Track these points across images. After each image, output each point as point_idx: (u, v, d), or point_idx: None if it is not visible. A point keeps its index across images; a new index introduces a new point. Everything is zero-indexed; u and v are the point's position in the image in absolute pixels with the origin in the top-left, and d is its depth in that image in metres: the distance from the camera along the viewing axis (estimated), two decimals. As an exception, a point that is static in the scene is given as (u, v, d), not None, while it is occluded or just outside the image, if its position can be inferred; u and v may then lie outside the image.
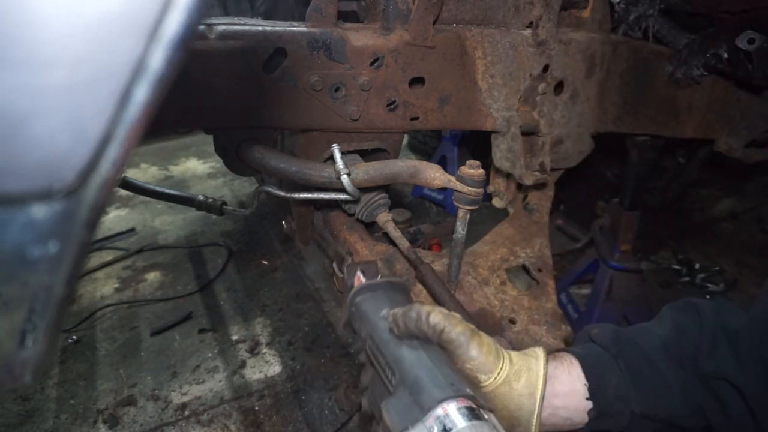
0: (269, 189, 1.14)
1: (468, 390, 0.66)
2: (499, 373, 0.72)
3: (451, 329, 0.70)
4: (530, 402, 0.72)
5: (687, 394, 0.79)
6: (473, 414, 0.63)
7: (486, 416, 0.64)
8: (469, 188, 0.98)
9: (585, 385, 0.78)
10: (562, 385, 0.77)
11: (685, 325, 0.82)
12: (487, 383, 0.72)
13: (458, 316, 0.74)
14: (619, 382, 0.79)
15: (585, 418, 0.78)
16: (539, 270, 1.39)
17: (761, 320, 0.74)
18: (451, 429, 0.62)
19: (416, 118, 1.22)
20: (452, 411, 0.63)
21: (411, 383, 0.68)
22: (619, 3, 1.46)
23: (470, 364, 0.71)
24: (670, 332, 0.82)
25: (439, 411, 0.64)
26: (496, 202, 1.61)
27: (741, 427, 0.75)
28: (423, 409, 0.64)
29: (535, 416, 0.72)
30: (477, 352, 0.71)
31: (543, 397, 0.73)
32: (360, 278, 0.90)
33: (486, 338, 0.73)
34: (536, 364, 0.75)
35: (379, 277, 0.91)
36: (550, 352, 0.82)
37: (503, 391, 0.72)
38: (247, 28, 1.00)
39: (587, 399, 0.77)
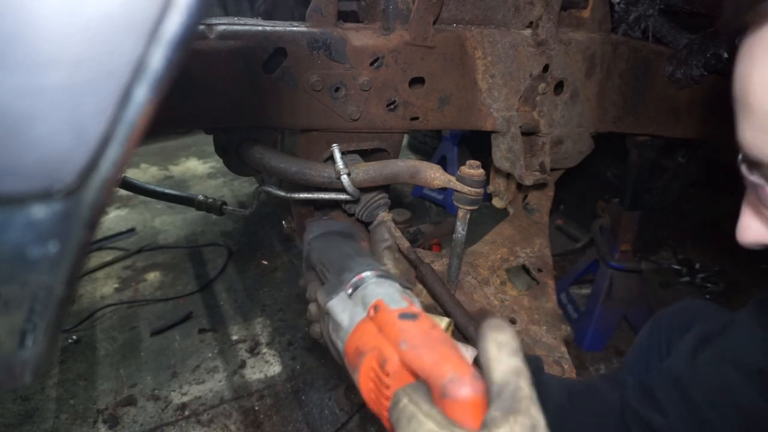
0: (269, 189, 1.14)
1: (383, 268, 0.80)
2: None
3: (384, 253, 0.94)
4: None
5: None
6: (383, 276, 0.78)
7: (396, 282, 0.77)
8: (469, 188, 0.98)
9: None
10: None
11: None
12: None
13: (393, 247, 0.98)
14: None
15: None
16: (539, 270, 1.39)
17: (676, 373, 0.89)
18: (360, 285, 0.77)
19: (416, 118, 1.22)
20: (366, 275, 0.78)
21: (338, 269, 0.83)
22: (619, 3, 1.46)
23: None
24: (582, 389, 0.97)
25: (355, 279, 0.78)
26: (496, 202, 1.61)
27: None
28: (344, 283, 0.79)
29: None
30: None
31: None
32: None
33: (400, 258, 0.95)
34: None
35: None
36: None
37: None
38: (247, 28, 1.00)
39: None
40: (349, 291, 0.77)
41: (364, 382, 0.64)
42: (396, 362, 0.60)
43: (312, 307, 0.95)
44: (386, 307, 0.68)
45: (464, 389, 0.52)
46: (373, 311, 0.69)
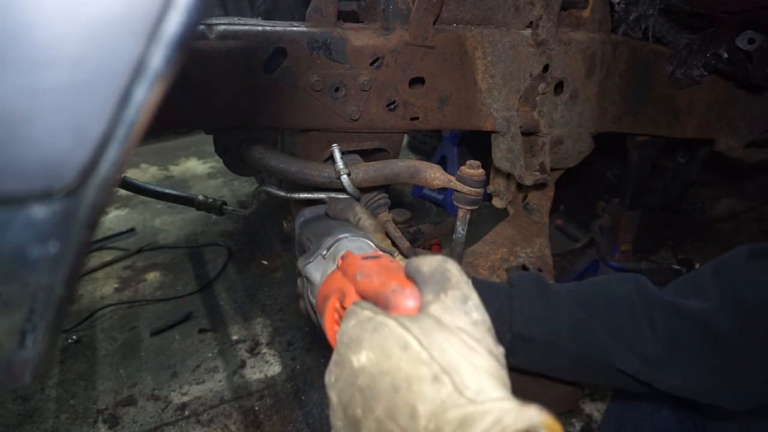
0: (269, 189, 1.14)
1: (363, 234, 0.82)
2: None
3: (366, 219, 0.92)
4: None
5: (579, 333, 0.83)
6: (359, 236, 0.79)
7: (375, 245, 0.79)
8: (469, 188, 0.98)
9: None
10: None
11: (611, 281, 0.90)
12: None
13: (375, 220, 0.96)
14: (503, 305, 0.86)
15: None
16: (539, 270, 1.39)
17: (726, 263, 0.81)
18: (334, 244, 0.78)
19: (416, 118, 1.22)
20: (342, 236, 0.79)
21: (320, 237, 0.85)
22: (619, 3, 1.46)
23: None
24: (587, 282, 0.91)
25: (332, 242, 0.79)
26: (496, 202, 1.61)
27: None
28: (321, 246, 0.80)
29: None
30: (378, 239, 0.89)
31: None
32: None
33: (387, 238, 0.93)
34: None
35: None
36: None
37: None
38: (247, 28, 1.00)
39: None
40: (324, 253, 0.79)
41: (329, 325, 0.65)
42: (353, 294, 0.62)
43: (299, 281, 0.97)
44: (352, 254, 0.71)
45: (406, 300, 0.54)
46: (341, 261, 0.71)
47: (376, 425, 0.45)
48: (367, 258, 0.68)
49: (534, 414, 0.40)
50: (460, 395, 0.42)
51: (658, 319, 0.80)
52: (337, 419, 0.50)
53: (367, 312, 0.53)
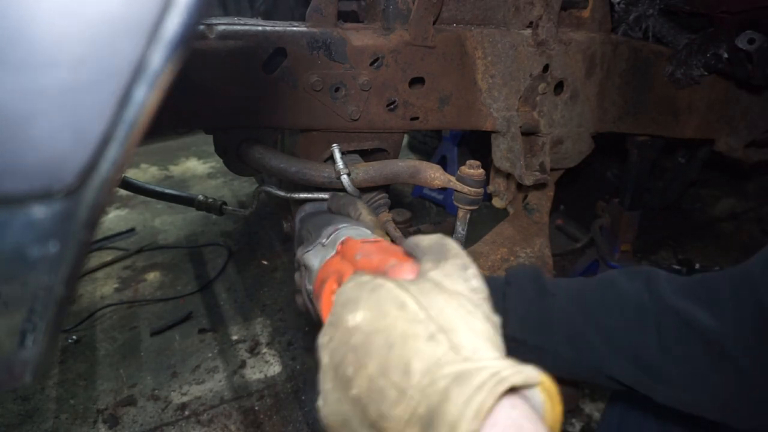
0: (269, 189, 1.14)
1: (365, 229, 0.81)
2: None
3: (366, 214, 0.92)
4: None
5: (574, 339, 0.81)
6: (360, 226, 0.79)
7: (377, 237, 0.78)
8: (469, 188, 0.98)
9: None
10: None
11: (616, 278, 0.86)
12: None
13: (376, 217, 0.94)
14: (497, 303, 0.86)
15: None
16: (539, 270, 1.39)
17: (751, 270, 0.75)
18: (334, 233, 0.77)
19: (416, 118, 1.22)
20: (342, 226, 0.78)
21: (321, 227, 0.84)
22: (619, 3, 1.46)
23: None
24: (594, 280, 0.88)
25: (332, 230, 0.78)
26: (496, 202, 1.61)
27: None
28: (321, 236, 0.79)
29: None
30: (378, 235, 0.85)
31: None
32: None
33: (387, 235, 0.90)
34: None
35: None
36: None
37: None
38: (247, 28, 1.00)
39: None
40: (324, 241, 0.78)
41: (326, 308, 0.64)
42: (351, 273, 0.61)
43: (297, 275, 0.95)
44: (352, 239, 0.70)
45: (404, 273, 0.54)
46: (341, 246, 0.71)
47: (368, 383, 0.44)
48: (367, 241, 0.68)
49: (532, 372, 0.41)
50: (456, 354, 0.43)
51: (667, 327, 0.76)
52: (326, 381, 0.49)
53: (365, 276, 0.52)
